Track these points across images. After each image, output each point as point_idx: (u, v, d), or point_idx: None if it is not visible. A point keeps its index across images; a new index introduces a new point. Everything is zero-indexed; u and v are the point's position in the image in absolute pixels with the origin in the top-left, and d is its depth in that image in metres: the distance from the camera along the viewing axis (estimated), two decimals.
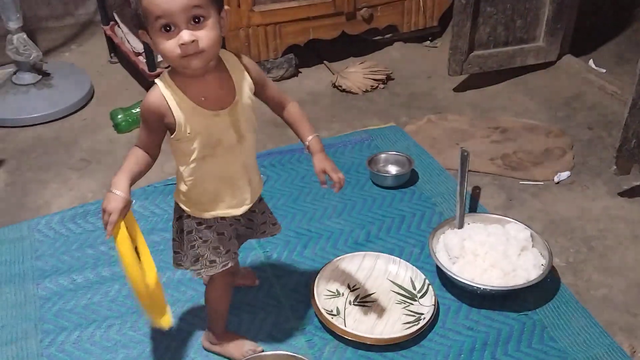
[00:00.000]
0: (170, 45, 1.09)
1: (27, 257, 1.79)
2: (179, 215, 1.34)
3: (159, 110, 1.16)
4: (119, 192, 1.16)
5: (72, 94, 2.57)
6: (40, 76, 2.61)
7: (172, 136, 1.20)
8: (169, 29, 1.09)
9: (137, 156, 1.22)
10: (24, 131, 2.42)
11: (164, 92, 1.16)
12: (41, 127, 2.45)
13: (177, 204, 1.33)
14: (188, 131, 1.18)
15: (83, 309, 1.62)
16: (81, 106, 2.57)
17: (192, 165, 1.24)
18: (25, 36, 2.49)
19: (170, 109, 1.16)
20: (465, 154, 1.89)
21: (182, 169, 1.26)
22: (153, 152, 1.23)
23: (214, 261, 1.32)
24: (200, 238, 1.32)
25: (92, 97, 2.64)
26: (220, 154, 1.24)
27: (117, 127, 2.41)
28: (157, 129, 1.20)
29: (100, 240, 1.84)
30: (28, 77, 2.58)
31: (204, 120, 1.19)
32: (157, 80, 1.18)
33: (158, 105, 1.16)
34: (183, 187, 1.28)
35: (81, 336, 1.55)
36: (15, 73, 2.60)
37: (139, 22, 1.13)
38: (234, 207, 1.32)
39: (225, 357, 1.49)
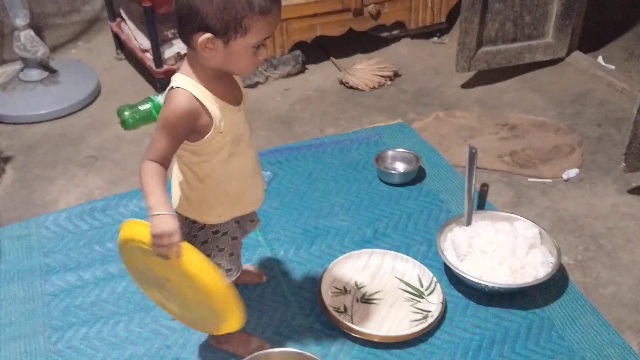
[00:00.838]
0: (255, 60, 1.12)
1: (35, 254, 1.79)
2: (189, 229, 1.28)
3: (194, 113, 1.11)
4: (165, 212, 1.08)
5: (79, 90, 2.57)
6: (47, 73, 2.61)
7: (202, 139, 1.15)
8: (259, 46, 1.10)
9: (158, 173, 1.12)
10: (31, 128, 2.42)
11: (195, 93, 1.12)
12: (48, 123, 2.45)
13: (184, 218, 1.27)
14: (221, 129, 1.15)
15: (91, 306, 1.63)
16: (88, 103, 2.57)
17: (217, 167, 1.20)
18: (32, 33, 2.50)
19: (205, 108, 1.12)
20: (474, 151, 1.88)
21: (199, 174, 1.20)
22: (168, 164, 1.15)
23: (231, 269, 1.33)
24: (217, 247, 1.30)
25: (98, 94, 2.64)
26: (242, 149, 1.23)
27: (124, 124, 2.41)
28: (184, 136, 1.14)
29: (108, 237, 1.85)
30: (35, 74, 2.58)
31: (232, 116, 1.18)
32: (180, 83, 1.12)
33: (192, 108, 1.11)
34: (194, 195, 1.23)
35: (89, 333, 1.56)
36: (22, 70, 2.60)
37: (222, 30, 1.06)
38: (253, 203, 1.32)
39: (233, 353, 1.49)
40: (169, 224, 1.07)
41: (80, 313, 1.61)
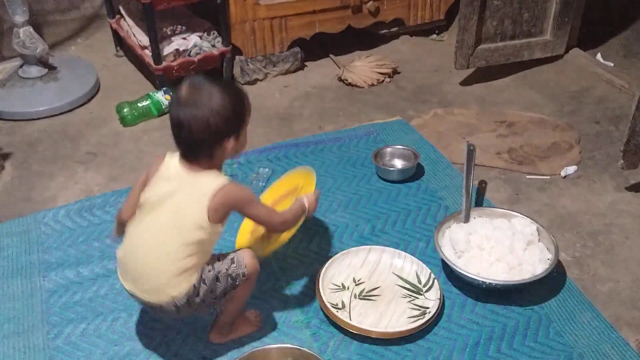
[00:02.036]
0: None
1: (34, 250, 1.79)
2: (197, 291, 1.37)
3: None
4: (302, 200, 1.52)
5: (78, 87, 2.57)
6: (47, 70, 2.61)
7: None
8: None
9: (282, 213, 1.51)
10: (30, 124, 2.42)
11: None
12: (47, 120, 2.45)
13: (192, 286, 1.37)
14: None
15: (89, 302, 1.63)
16: (87, 99, 2.57)
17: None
18: (31, 30, 2.50)
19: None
20: (472, 148, 1.89)
21: (210, 247, 1.41)
22: None
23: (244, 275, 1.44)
24: (224, 271, 1.41)
25: (98, 91, 2.64)
26: None
27: (123, 121, 2.41)
28: None
29: (107, 233, 1.85)
30: (34, 71, 2.58)
31: None
32: (225, 178, 1.36)
33: None
34: (199, 259, 1.38)
35: (87, 329, 1.56)
36: (21, 67, 2.60)
37: (236, 129, 1.33)
38: None
39: (241, 337, 1.52)
40: (313, 197, 1.54)
41: (78, 309, 1.61)
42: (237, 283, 1.41)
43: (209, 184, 1.32)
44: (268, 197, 1.84)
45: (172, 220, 1.33)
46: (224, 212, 1.35)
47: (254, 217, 1.43)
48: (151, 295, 1.36)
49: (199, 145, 1.31)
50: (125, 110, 2.41)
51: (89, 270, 1.72)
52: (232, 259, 1.41)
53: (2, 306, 1.62)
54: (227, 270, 1.39)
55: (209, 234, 1.35)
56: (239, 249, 1.46)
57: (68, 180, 2.13)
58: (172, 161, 1.37)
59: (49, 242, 1.82)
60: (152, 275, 1.35)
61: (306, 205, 1.50)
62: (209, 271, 1.38)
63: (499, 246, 1.64)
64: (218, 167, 1.37)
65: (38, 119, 2.45)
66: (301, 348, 1.42)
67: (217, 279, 1.38)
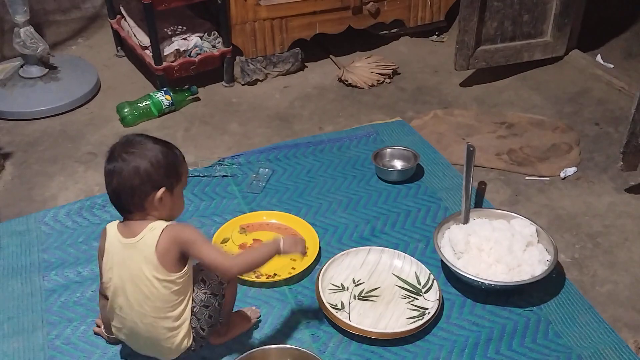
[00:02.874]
0: (183, 202, 1.39)
1: (34, 250, 1.80)
2: (198, 329, 1.39)
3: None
4: (280, 237, 1.40)
5: (78, 87, 2.58)
6: (47, 69, 2.61)
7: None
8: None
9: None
10: (30, 124, 2.43)
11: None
12: (48, 120, 2.45)
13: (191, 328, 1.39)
14: None
15: (89, 301, 1.63)
16: (88, 99, 2.57)
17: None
18: (32, 29, 2.50)
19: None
20: (471, 149, 1.89)
21: (188, 289, 1.37)
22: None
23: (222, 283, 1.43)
24: (204, 297, 1.40)
25: (98, 91, 2.64)
26: None
27: (124, 121, 2.41)
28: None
29: None
30: (35, 71, 2.58)
31: None
32: (163, 224, 1.31)
33: None
34: (183, 305, 1.36)
35: (87, 329, 1.56)
36: (22, 66, 2.60)
37: (169, 182, 1.30)
38: None
39: (241, 337, 1.52)
40: (293, 239, 1.42)
41: (78, 309, 1.61)
42: (223, 293, 1.41)
43: (148, 237, 1.28)
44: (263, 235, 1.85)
45: (140, 292, 1.31)
46: (175, 255, 1.29)
47: (201, 259, 1.32)
48: (171, 356, 1.39)
49: (131, 195, 1.28)
50: (125, 110, 2.41)
51: (89, 270, 1.72)
52: (203, 280, 1.39)
53: (2, 305, 1.62)
54: (205, 293, 1.38)
55: (180, 282, 1.31)
56: (202, 261, 1.34)
57: (68, 180, 2.13)
58: (111, 233, 1.33)
59: (49, 242, 1.83)
60: (158, 348, 1.38)
61: (281, 246, 1.37)
62: (194, 307, 1.37)
63: (498, 247, 1.64)
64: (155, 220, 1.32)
65: (38, 118, 2.45)
66: (300, 348, 1.42)
67: (205, 306, 1.38)
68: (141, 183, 1.27)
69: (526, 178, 2.09)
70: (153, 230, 1.28)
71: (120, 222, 1.34)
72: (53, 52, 2.74)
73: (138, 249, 1.29)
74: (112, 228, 1.34)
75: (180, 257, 1.30)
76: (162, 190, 1.29)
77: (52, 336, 1.54)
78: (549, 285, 1.66)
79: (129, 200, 1.29)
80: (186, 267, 1.32)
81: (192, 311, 1.36)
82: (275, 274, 1.69)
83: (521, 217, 1.76)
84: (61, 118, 2.47)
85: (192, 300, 1.37)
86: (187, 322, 1.36)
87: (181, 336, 1.36)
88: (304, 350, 1.42)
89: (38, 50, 2.52)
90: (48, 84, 2.58)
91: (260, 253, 1.37)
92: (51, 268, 1.74)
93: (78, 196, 2.03)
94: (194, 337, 1.38)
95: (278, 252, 1.37)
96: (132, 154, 1.28)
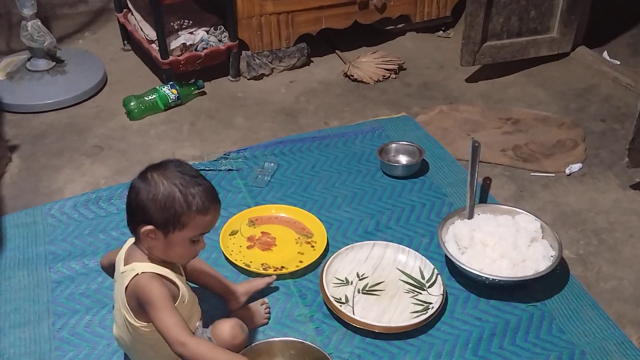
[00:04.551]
0: (192, 251, 1.28)
1: (40, 242, 1.81)
2: None
3: (167, 285, 1.26)
4: None
5: (85, 80, 2.59)
6: (54, 63, 2.62)
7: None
8: (197, 240, 1.26)
9: (204, 342, 1.25)
10: (37, 117, 2.44)
11: (157, 272, 1.26)
12: (55, 113, 2.46)
13: None
14: (184, 298, 1.29)
15: (95, 293, 1.64)
16: (94, 93, 2.58)
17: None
18: (39, 23, 2.51)
19: (169, 280, 1.27)
20: (477, 144, 1.89)
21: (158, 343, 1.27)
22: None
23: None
24: None
25: (105, 84, 2.65)
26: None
27: (130, 114, 2.42)
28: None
29: (112, 225, 1.86)
30: (42, 64, 2.59)
31: (184, 284, 1.33)
32: (141, 269, 1.24)
33: (163, 281, 1.26)
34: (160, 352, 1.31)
35: (93, 320, 1.57)
36: (29, 59, 2.61)
37: (162, 223, 1.21)
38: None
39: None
40: None
41: (84, 300, 1.62)
42: None
43: (127, 276, 1.25)
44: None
45: (118, 312, 1.31)
46: (138, 309, 1.24)
47: (155, 324, 1.21)
48: None
49: (129, 213, 1.26)
50: (132, 104, 2.42)
51: (95, 262, 1.72)
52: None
53: (8, 296, 1.64)
54: None
55: (144, 332, 1.27)
56: (155, 326, 1.22)
57: (75, 172, 2.14)
58: (123, 249, 1.32)
59: (55, 234, 1.84)
60: None
61: None
62: None
63: (503, 242, 1.64)
64: (153, 258, 1.27)
65: (45, 111, 2.46)
66: (304, 341, 1.43)
67: None
68: (135, 209, 1.23)
69: (531, 174, 2.09)
70: (131, 272, 1.24)
71: (133, 242, 1.32)
72: (60, 45, 2.75)
73: (120, 281, 1.28)
74: (126, 245, 1.33)
75: (141, 310, 1.24)
76: (149, 227, 1.21)
77: (58, 327, 1.55)
78: (553, 281, 1.66)
79: (128, 219, 1.27)
80: (149, 323, 1.26)
81: None
82: (282, 267, 1.70)
83: (526, 212, 1.76)
84: (68, 111, 2.48)
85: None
86: None
87: None
88: (308, 343, 1.43)
89: (45, 44, 2.53)
90: (55, 77, 2.59)
91: (222, 358, 1.21)
92: (57, 260, 1.75)
93: (84, 189, 2.05)
94: None
95: None
96: (149, 177, 1.23)
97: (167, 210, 1.20)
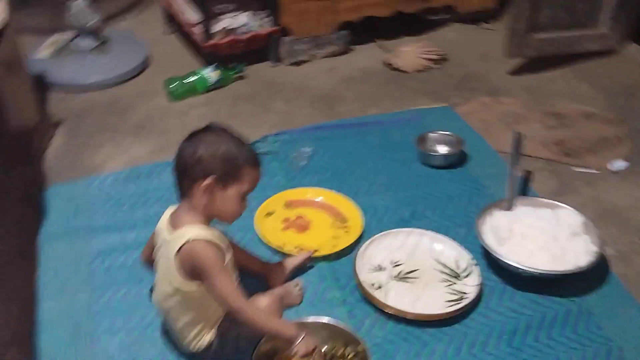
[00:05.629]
0: (241, 208, 1.34)
1: (80, 215, 1.84)
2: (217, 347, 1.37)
3: (219, 250, 1.30)
4: (302, 333, 1.30)
5: (128, 61, 2.62)
6: (98, 43, 2.66)
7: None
8: (245, 198, 1.33)
9: (256, 307, 1.35)
10: (80, 96, 2.48)
11: (207, 237, 1.28)
12: (98, 92, 2.50)
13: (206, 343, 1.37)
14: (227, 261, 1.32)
15: (132, 267, 1.66)
16: (136, 73, 2.62)
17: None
18: (85, 3, 2.55)
19: (217, 245, 1.30)
20: (519, 136, 1.85)
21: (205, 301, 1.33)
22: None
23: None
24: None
25: (147, 66, 2.68)
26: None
27: (171, 95, 2.45)
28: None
29: (151, 202, 1.88)
30: (86, 43, 2.64)
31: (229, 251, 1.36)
32: (193, 234, 1.27)
33: (216, 248, 1.29)
34: (199, 315, 1.35)
35: (128, 293, 1.59)
36: (74, 39, 2.66)
37: (222, 175, 1.27)
38: None
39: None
40: (310, 345, 1.30)
41: (121, 273, 1.65)
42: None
43: (177, 239, 1.27)
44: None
45: (164, 278, 1.33)
46: (192, 272, 1.27)
47: (212, 289, 1.26)
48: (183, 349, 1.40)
49: (183, 174, 1.29)
50: (172, 85, 2.44)
51: (133, 237, 1.75)
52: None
53: (48, 265, 1.67)
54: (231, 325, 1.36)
55: (196, 293, 1.30)
56: (212, 291, 1.28)
57: (115, 150, 2.17)
58: (165, 216, 1.35)
59: (95, 208, 1.87)
60: (173, 330, 1.40)
61: (296, 341, 1.28)
62: (224, 331, 1.36)
63: (543, 235, 1.61)
64: (201, 219, 1.30)
65: (88, 90, 2.50)
66: (338, 323, 1.42)
67: (236, 338, 1.37)
68: (193, 166, 1.27)
69: (574, 169, 2.04)
70: (181, 238, 1.27)
71: (175, 208, 1.35)
72: (104, 26, 2.79)
73: (169, 247, 1.29)
74: (168, 212, 1.37)
75: (195, 273, 1.28)
76: (211, 178, 1.26)
77: (95, 298, 1.58)
78: (593, 277, 1.62)
79: (181, 180, 1.31)
80: (201, 284, 1.29)
81: (219, 335, 1.36)
82: (317, 250, 1.70)
83: (567, 207, 1.72)
84: (110, 91, 2.52)
85: (223, 327, 1.36)
86: (197, 331, 1.36)
87: (191, 338, 1.37)
88: (341, 325, 1.42)
89: (90, 24, 2.57)
90: (99, 56, 2.63)
91: (274, 325, 1.32)
92: (96, 233, 1.77)
93: (124, 166, 2.07)
94: (209, 349, 1.37)
95: (289, 341, 1.28)
96: (201, 138, 1.29)
97: (228, 162, 1.28)
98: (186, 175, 1.29)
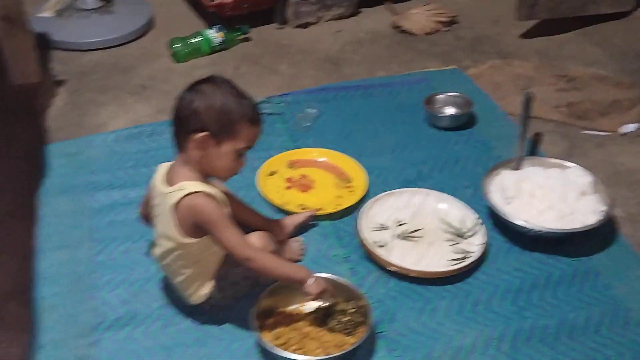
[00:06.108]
0: (237, 165, 1.30)
1: (83, 171, 1.82)
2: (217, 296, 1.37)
3: (220, 203, 1.28)
4: (313, 275, 1.30)
5: (132, 21, 2.58)
6: (103, 2, 2.62)
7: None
8: (241, 154, 1.28)
9: (267, 253, 1.33)
10: (84, 55, 2.45)
11: (206, 190, 1.26)
12: (101, 52, 2.47)
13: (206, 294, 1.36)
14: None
15: (134, 222, 1.63)
16: (141, 34, 2.58)
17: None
18: None
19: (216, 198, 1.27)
20: (529, 95, 1.81)
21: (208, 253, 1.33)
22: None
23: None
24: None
25: (151, 26, 2.65)
26: None
27: (175, 56, 2.41)
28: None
29: (154, 160, 1.81)
30: (91, 2, 2.60)
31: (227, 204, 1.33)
32: (192, 188, 1.24)
33: (216, 201, 1.27)
34: (199, 270, 1.34)
35: (131, 247, 1.58)
36: None
37: (217, 130, 1.23)
38: None
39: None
40: (322, 286, 1.30)
41: (123, 228, 1.63)
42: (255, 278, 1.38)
43: (173, 196, 1.24)
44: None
45: (163, 234, 1.31)
46: (192, 227, 1.26)
47: (220, 242, 1.26)
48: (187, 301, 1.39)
49: (179, 125, 1.26)
50: (177, 46, 2.41)
51: (136, 193, 1.72)
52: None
53: (49, 220, 1.66)
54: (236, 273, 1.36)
55: (195, 248, 1.29)
56: (220, 244, 1.27)
57: (118, 109, 2.15)
58: (160, 172, 1.33)
59: (97, 165, 1.85)
60: (174, 284, 1.38)
61: (306, 283, 1.27)
62: (221, 279, 1.35)
63: (551, 194, 1.57)
64: (197, 176, 1.27)
65: (92, 50, 2.47)
66: (339, 279, 1.40)
67: (233, 284, 1.37)
68: (189, 117, 1.23)
69: (583, 132, 2.00)
70: (180, 191, 1.24)
71: (172, 163, 1.33)
72: None
73: (165, 203, 1.27)
74: (162, 168, 1.34)
75: (195, 228, 1.26)
76: (205, 133, 1.22)
77: (97, 251, 1.57)
78: (601, 237, 1.59)
79: (177, 131, 1.28)
80: (200, 238, 1.28)
81: (217, 284, 1.35)
82: (320, 208, 1.67)
83: (577, 166, 1.68)
84: (114, 51, 2.49)
85: (220, 276, 1.35)
86: (198, 284, 1.34)
87: (192, 291, 1.35)
88: (342, 280, 1.39)
89: None
90: (103, 16, 2.59)
91: (285, 269, 1.30)
92: (99, 189, 1.76)
93: (127, 125, 2.05)
94: (210, 299, 1.36)
95: (300, 283, 1.28)
96: (201, 89, 1.25)
97: (223, 117, 1.23)
98: (182, 126, 1.26)
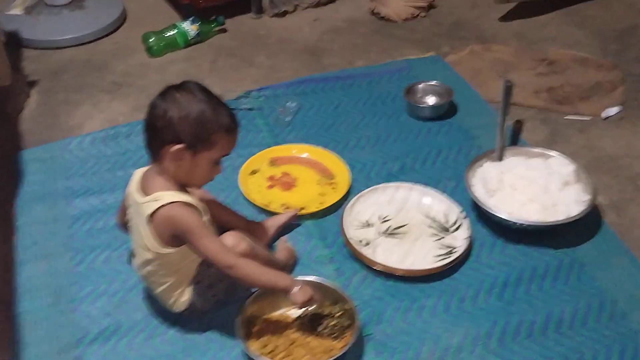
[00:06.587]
0: (213, 173, 1.27)
1: (59, 177, 1.78)
2: (197, 304, 1.36)
3: (197, 211, 1.25)
4: (299, 283, 1.27)
5: (104, 16, 2.52)
6: None
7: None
8: (218, 162, 1.26)
9: (249, 261, 1.27)
10: (56, 53, 2.39)
11: (182, 199, 1.23)
12: (73, 49, 2.41)
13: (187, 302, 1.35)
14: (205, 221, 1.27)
15: (113, 229, 1.60)
16: (113, 29, 2.52)
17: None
18: None
19: (193, 206, 1.25)
20: (509, 84, 1.79)
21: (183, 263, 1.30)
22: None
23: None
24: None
25: (124, 21, 2.59)
26: None
27: (149, 51, 2.36)
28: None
29: (131, 162, 1.83)
30: None
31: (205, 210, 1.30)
32: (169, 199, 1.21)
33: (194, 209, 1.24)
34: (179, 278, 1.32)
35: (111, 256, 1.55)
36: None
37: (192, 142, 1.19)
38: None
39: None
40: (308, 294, 1.26)
41: (102, 236, 1.60)
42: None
43: (148, 207, 1.22)
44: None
45: (140, 244, 1.28)
46: (170, 237, 1.24)
47: (199, 251, 1.24)
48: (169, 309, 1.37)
49: (153, 135, 1.22)
50: (151, 40, 2.35)
51: (114, 198, 1.69)
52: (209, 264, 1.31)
53: (27, 230, 1.62)
54: (210, 276, 1.34)
55: (175, 257, 1.26)
56: (200, 253, 1.26)
57: (93, 109, 2.10)
58: (135, 179, 1.29)
59: (73, 169, 1.81)
60: (155, 294, 1.36)
61: (292, 291, 1.24)
62: (198, 283, 1.33)
63: (533, 185, 1.57)
64: (173, 185, 1.24)
65: (64, 47, 2.41)
66: (325, 282, 1.39)
67: (209, 287, 1.34)
68: (163, 127, 1.19)
69: (565, 117, 1.99)
70: (155, 202, 1.21)
71: (145, 171, 1.29)
72: None
73: (140, 212, 1.24)
74: (137, 175, 1.30)
75: (174, 238, 1.24)
76: (180, 146, 1.19)
77: (76, 261, 1.54)
78: (585, 227, 1.59)
79: (150, 140, 1.24)
80: (179, 247, 1.26)
81: (195, 289, 1.33)
82: (303, 208, 1.65)
83: (559, 155, 1.68)
84: (87, 47, 2.43)
85: (196, 280, 1.33)
86: (179, 292, 1.33)
87: (173, 300, 1.34)
88: (328, 282, 1.38)
89: None
90: (73, 12, 2.53)
91: (269, 276, 1.26)
92: (76, 195, 1.72)
93: (103, 125, 2.01)
94: (191, 305, 1.34)
95: (285, 291, 1.25)
96: (175, 97, 1.20)
97: (199, 128, 1.19)
98: (156, 136, 1.22)
